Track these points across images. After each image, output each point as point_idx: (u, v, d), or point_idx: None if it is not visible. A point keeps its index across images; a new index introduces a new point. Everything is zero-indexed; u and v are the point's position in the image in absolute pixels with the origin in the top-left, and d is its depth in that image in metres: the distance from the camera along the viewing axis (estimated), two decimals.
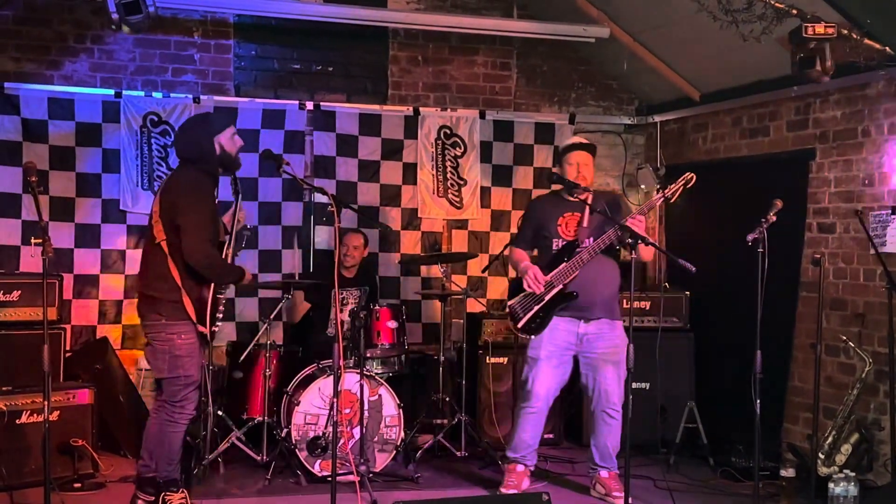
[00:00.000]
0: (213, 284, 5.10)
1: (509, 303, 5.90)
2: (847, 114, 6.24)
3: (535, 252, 6.00)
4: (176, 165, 6.94)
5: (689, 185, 5.47)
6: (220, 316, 5.24)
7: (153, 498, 5.10)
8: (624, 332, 5.75)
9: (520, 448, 5.87)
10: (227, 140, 5.23)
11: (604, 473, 5.88)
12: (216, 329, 5.22)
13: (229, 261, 5.30)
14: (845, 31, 5.28)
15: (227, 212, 5.50)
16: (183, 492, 5.20)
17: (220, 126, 5.26)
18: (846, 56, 5.43)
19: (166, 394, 5.11)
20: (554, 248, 5.80)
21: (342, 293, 6.77)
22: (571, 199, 5.78)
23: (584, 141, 6.02)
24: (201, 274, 5.02)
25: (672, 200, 5.48)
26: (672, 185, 5.47)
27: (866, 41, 5.36)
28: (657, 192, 5.48)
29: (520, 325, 5.78)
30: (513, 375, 6.86)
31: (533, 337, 5.75)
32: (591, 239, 5.66)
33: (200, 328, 5.05)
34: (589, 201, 5.72)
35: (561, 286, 5.68)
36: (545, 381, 5.76)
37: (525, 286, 5.75)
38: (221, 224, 5.38)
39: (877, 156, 6.02)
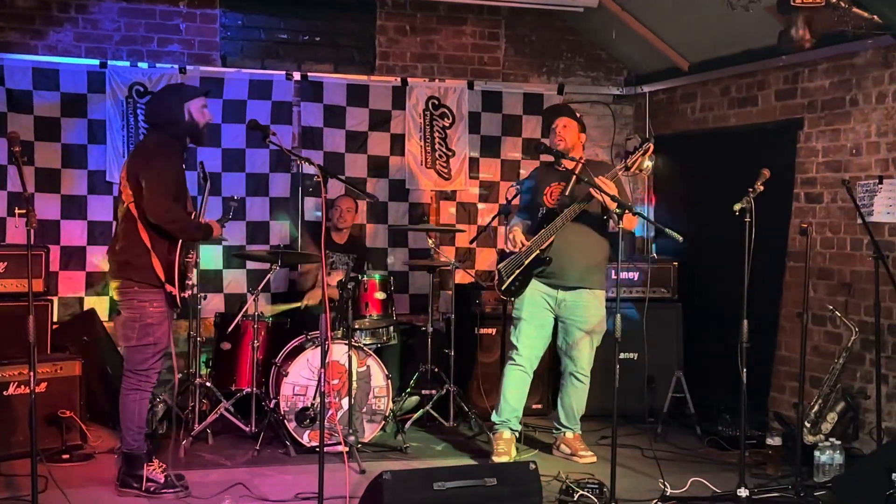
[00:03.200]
0: (179, 246, 5.08)
1: (498, 266, 6.15)
2: (835, 83, 6.23)
3: (530, 222, 6.09)
4: None
5: (648, 153, 5.56)
6: (190, 283, 5.22)
7: (141, 474, 5.11)
8: (603, 302, 6.01)
9: (504, 411, 5.95)
10: (197, 109, 5.24)
11: (569, 434, 6.11)
12: (186, 296, 5.18)
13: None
14: (833, 0, 5.26)
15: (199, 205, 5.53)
16: (156, 460, 5.21)
17: (191, 94, 5.29)
18: (834, 25, 5.42)
19: (132, 362, 5.12)
20: (539, 215, 5.96)
21: (332, 256, 6.80)
22: (560, 168, 5.86)
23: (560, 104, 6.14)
24: (163, 229, 5.01)
25: (631, 170, 5.58)
26: (633, 155, 5.56)
27: (854, 10, 5.35)
28: (619, 162, 5.58)
29: (503, 287, 6.03)
30: (501, 346, 6.88)
31: (512, 301, 6.03)
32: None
33: (168, 287, 5.04)
34: (577, 171, 5.73)
35: (538, 251, 5.83)
36: (527, 340, 5.95)
37: (506, 248, 6.02)
38: (189, 197, 5.36)
39: (864, 125, 6.01)
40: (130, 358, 5.14)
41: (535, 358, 5.99)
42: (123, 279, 5.07)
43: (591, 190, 5.49)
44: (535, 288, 5.93)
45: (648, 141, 5.55)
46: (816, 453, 5.55)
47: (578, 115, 6.19)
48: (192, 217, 5.26)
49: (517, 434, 6.04)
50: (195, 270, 5.35)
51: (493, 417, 6.01)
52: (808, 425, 5.80)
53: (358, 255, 7.06)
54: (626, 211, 5.26)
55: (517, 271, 5.93)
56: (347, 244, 7.12)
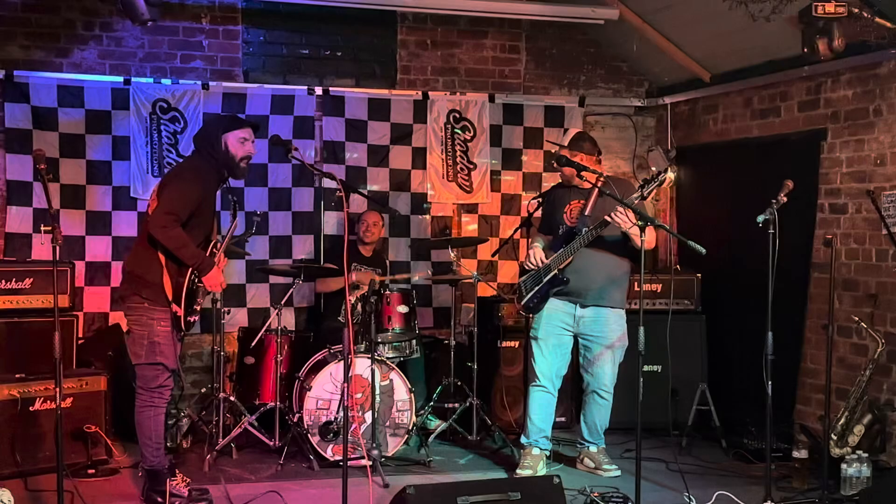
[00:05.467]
0: (190, 270, 5.09)
1: (520, 279, 6.15)
2: (858, 93, 6.20)
3: (551, 237, 6.08)
4: (185, 152, 7.05)
5: (665, 184, 5.59)
6: (197, 308, 5.23)
7: (165, 489, 5.13)
8: (623, 319, 5.95)
9: (532, 433, 5.94)
10: (234, 141, 5.24)
11: (592, 448, 6.10)
12: (192, 320, 5.20)
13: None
14: (856, 10, 5.24)
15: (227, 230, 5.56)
16: (179, 475, 5.25)
17: (230, 125, 5.31)
18: (857, 35, 5.39)
19: (143, 380, 5.14)
20: (559, 233, 5.95)
21: (358, 269, 6.83)
22: (580, 187, 5.84)
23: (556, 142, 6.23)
24: (157, 239, 5.00)
25: (647, 199, 5.64)
26: (650, 185, 5.51)
27: (877, 20, 5.33)
28: (637, 190, 5.57)
29: (521, 303, 6.06)
30: (524, 359, 6.86)
31: (532, 317, 6.05)
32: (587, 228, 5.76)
33: (174, 308, 5.06)
34: (598, 184, 5.72)
35: (556, 270, 5.82)
36: (545, 359, 5.94)
37: (526, 264, 6.03)
38: (217, 226, 5.39)
39: (889, 135, 5.98)
40: (141, 375, 5.17)
41: (555, 376, 5.97)
42: (133, 294, 5.10)
43: (608, 215, 5.48)
44: (554, 306, 5.92)
45: (665, 172, 5.53)
46: (843, 466, 5.51)
47: (585, 145, 6.02)
48: (215, 243, 5.30)
49: (547, 452, 6.03)
50: (205, 297, 5.33)
51: (522, 440, 6.00)
52: (834, 438, 5.75)
53: (381, 269, 7.07)
54: (648, 224, 5.22)
55: (536, 288, 5.93)
56: (373, 257, 7.14)
